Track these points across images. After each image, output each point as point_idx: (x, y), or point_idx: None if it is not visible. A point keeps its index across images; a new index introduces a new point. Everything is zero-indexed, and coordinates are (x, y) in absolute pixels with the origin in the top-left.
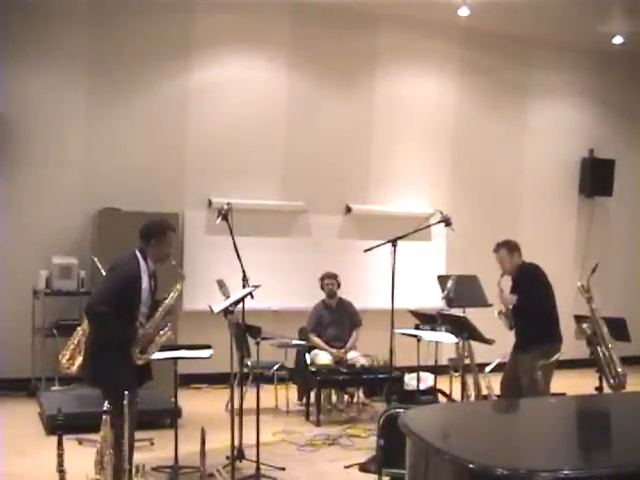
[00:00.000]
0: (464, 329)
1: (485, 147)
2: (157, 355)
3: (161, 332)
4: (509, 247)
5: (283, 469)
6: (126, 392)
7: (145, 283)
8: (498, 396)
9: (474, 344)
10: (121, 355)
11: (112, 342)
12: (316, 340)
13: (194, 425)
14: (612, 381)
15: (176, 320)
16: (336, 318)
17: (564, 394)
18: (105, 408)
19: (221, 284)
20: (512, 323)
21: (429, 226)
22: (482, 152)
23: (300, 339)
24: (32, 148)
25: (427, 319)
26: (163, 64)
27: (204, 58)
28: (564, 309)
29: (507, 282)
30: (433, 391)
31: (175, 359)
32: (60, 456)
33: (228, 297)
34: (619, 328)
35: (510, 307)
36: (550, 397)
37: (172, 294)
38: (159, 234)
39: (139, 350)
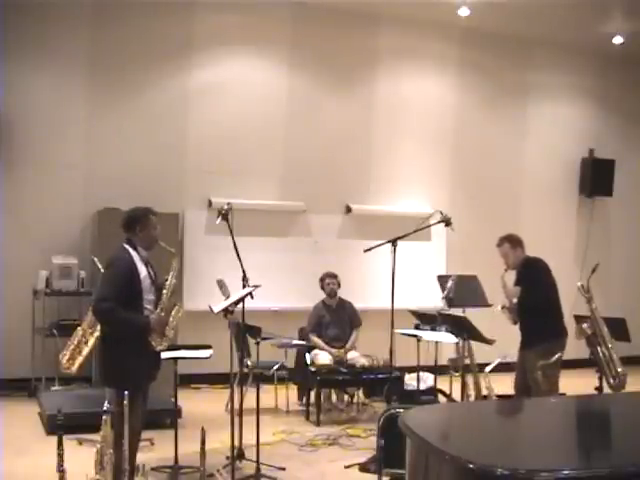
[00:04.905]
0: (464, 329)
1: (485, 147)
2: None
3: (172, 313)
4: (512, 241)
5: (283, 469)
6: (126, 392)
7: (143, 271)
8: (498, 396)
9: (474, 344)
10: (135, 349)
11: (124, 337)
12: (316, 340)
13: (194, 425)
14: (612, 381)
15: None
16: (336, 318)
17: (564, 394)
18: (105, 408)
19: (221, 284)
20: (516, 317)
21: (429, 226)
22: (482, 152)
23: (300, 339)
24: (32, 148)
25: (427, 319)
26: (163, 64)
27: (204, 58)
28: (564, 309)
29: (511, 277)
30: (433, 391)
31: (175, 359)
32: (60, 456)
33: (228, 297)
34: (619, 328)
35: (514, 301)
36: (550, 397)
37: (171, 273)
38: (142, 219)
39: (157, 336)
